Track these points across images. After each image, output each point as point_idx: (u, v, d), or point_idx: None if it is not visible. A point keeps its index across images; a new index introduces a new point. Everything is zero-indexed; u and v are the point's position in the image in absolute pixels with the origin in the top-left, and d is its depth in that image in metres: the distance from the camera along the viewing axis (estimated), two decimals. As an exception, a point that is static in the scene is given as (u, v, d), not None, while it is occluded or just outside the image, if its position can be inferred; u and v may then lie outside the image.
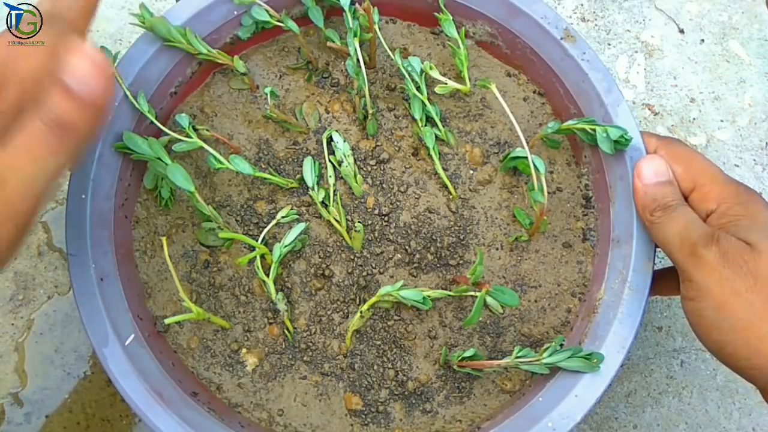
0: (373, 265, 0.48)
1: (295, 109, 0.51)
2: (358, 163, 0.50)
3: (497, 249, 0.49)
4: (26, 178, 0.29)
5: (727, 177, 0.42)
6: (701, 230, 0.39)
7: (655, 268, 0.44)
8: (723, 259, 0.37)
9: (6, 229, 0.29)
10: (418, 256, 0.48)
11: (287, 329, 0.47)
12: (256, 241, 0.46)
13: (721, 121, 0.62)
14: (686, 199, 0.42)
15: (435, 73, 0.49)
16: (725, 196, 0.40)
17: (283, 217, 0.48)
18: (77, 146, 0.30)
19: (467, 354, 0.44)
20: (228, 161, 0.45)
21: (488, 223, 0.49)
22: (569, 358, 0.42)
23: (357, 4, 0.48)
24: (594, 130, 0.45)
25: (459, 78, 0.51)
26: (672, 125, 0.61)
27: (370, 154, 0.50)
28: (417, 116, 0.49)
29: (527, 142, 0.45)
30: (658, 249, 0.44)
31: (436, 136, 0.49)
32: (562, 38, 0.47)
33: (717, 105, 0.62)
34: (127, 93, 0.45)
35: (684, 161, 0.43)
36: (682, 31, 0.64)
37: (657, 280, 0.44)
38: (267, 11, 0.48)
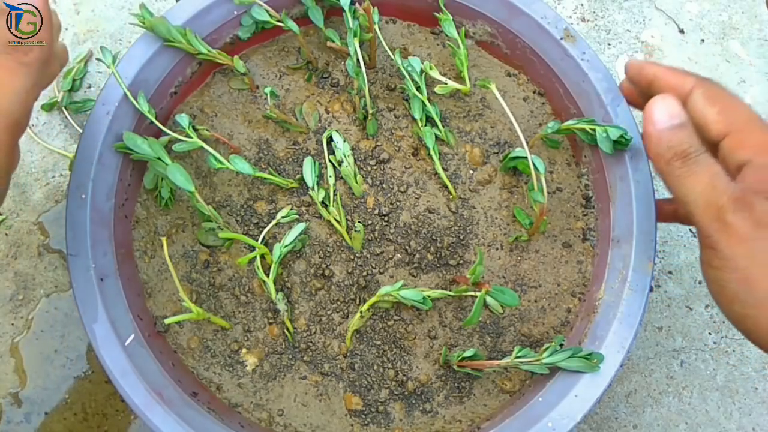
0: (373, 265, 0.48)
1: (295, 109, 0.51)
2: (358, 163, 0.50)
3: (497, 249, 0.49)
4: None
5: None
6: (730, 191, 0.34)
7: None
8: (755, 229, 0.33)
9: None
10: (418, 256, 0.48)
11: (287, 329, 0.47)
12: (256, 241, 0.46)
13: (721, 121, 0.62)
14: (715, 146, 0.37)
15: (435, 73, 0.49)
16: (763, 146, 0.35)
17: (283, 217, 0.48)
18: (34, 58, 0.36)
19: (467, 354, 0.44)
20: (228, 161, 0.45)
21: (488, 223, 0.49)
22: (569, 358, 0.42)
23: (357, 4, 0.48)
24: (594, 130, 0.45)
25: (459, 78, 0.51)
26: (672, 125, 0.61)
27: (370, 154, 0.50)
28: (417, 116, 0.49)
29: (527, 142, 0.45)
30: (658, 249, 0.44)
31: (436, 136, 0.49)
32: (562, 38, 0.47)
33: (717, 105, 0.62)
34: (127, 93, 0.45)
35: (721, 102, 0.37)
36: (682, 31, 0.64)
37: (661, 207, 0.42)
38: (267, 11, 0.48)
